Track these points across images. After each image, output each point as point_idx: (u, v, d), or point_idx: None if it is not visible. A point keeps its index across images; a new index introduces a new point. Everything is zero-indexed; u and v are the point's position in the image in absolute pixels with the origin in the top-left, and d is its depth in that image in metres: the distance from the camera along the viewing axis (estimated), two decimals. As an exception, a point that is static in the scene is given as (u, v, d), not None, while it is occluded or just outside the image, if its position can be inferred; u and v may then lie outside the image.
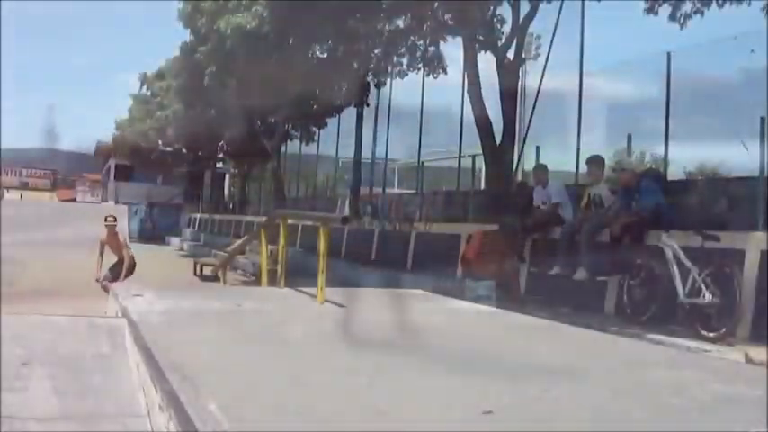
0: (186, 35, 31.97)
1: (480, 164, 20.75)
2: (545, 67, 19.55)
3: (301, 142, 38.16)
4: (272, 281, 9.92)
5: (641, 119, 16.57)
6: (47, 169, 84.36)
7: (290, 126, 36.04)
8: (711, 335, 9.55)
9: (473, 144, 20.43)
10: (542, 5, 17.59)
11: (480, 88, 18.42)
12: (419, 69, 23.67)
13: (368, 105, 28.17)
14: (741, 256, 10.06)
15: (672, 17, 14.83)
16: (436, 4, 18.81)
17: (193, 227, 48.47)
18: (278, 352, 5.14)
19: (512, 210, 15.75)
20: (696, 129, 16.55)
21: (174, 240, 47.53)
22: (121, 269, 16.07)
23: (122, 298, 7.31)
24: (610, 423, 3.54)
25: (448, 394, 3.98)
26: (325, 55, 24.68)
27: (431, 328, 6.50)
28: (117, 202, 53.97)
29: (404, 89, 26.65)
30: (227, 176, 59.26)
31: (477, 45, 18.53)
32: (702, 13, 14.61)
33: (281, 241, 9.57)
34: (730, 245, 10.19)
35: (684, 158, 18.59)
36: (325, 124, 33.08)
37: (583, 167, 16.30)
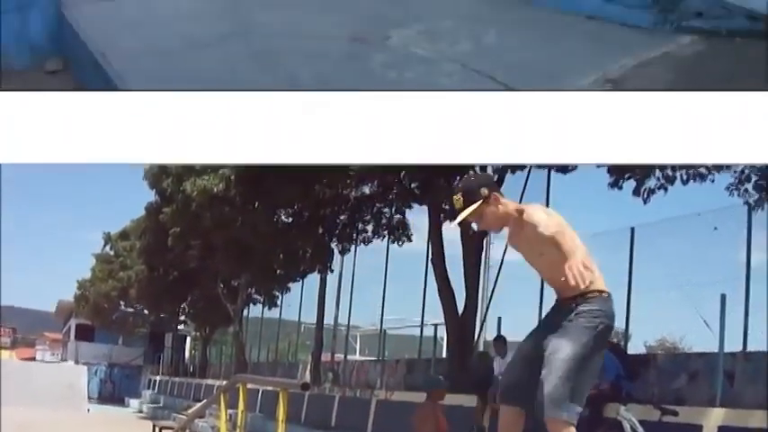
0: (152, 196, 32.27)
1: (442, 333, 20.81)
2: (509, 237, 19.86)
3: (264, 306, 38.12)
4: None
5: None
6: (6, 327, 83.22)
7: (254, 290, 36.03)
8: None
9: (436, 312, 20.53)
10: (508, 177, 17.97)
11: (444, 257, 18.66)
12: (384, 237, 23.93)
13: (332, 271, 28.22)
14: (699, 431, 10.08)
15: (635, 192, 15.20)
16: (402, 173, 19.19)
17: (153, 389, 47.81)
18: None
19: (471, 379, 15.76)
20: (658, 303, 16.73)
21: (134, 402, 46.86)
22: None
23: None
24: None
25: None
26: (290, 219, 24.94)
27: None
28: (77, 362, 53.24)
29: (368, 256, 26.92)
30: (188, 339, 58.80)
31: (442, 214, 18.85)
32: (666, 189, 14.99)
33: (241, 406, 9.49)
34: (688, 420, 10.21)
35: (645, 332, 18.74)
36: (289, 289, 33.11)
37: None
